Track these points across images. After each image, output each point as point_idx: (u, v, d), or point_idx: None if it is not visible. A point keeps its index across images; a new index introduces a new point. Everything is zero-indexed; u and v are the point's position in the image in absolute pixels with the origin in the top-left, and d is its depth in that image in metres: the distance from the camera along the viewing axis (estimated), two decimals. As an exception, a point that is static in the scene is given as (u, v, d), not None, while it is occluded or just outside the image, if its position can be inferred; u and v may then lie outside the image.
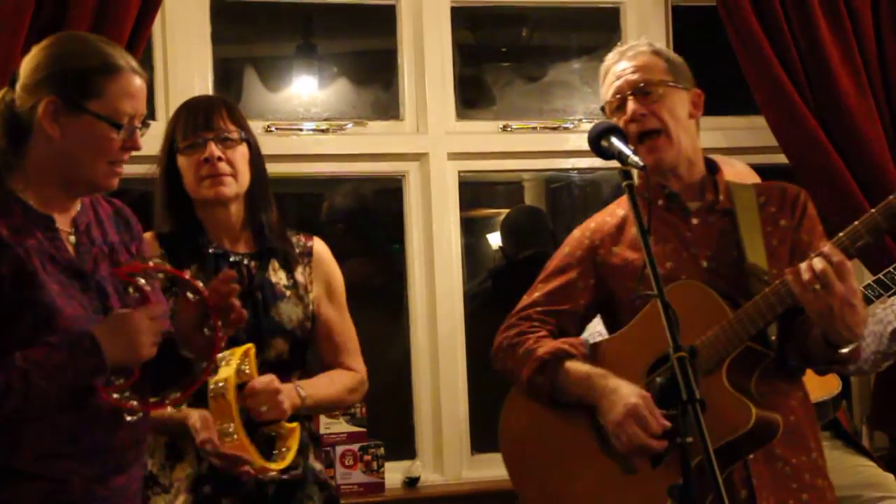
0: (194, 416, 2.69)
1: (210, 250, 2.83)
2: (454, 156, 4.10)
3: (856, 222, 2.57)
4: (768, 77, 3.96)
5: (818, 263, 2.48)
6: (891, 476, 3.48)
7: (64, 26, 3.37)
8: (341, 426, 3.78)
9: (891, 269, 3.40)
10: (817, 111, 3.99)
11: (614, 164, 2.46)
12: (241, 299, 2.76)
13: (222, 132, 2.81)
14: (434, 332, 4.03)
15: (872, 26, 4.05)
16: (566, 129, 4.23)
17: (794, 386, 2.77)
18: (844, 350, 2.59)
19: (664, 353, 2.61)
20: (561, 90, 4.55)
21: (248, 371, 2.66)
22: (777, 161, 4.11)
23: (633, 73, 2.78)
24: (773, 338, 2.66)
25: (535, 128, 4.20)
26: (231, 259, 2.85)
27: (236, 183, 2.82)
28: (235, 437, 2.58)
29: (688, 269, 2.72)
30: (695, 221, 2.78)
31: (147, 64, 3.80)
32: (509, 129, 4.20)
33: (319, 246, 3.00)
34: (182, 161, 2.82)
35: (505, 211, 5.05)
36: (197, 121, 2.81)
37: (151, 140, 3.50)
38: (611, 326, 2.88)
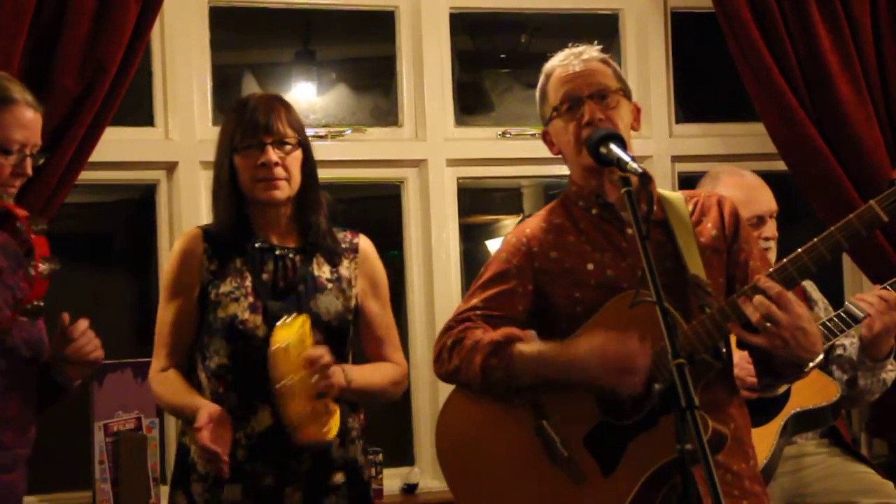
0: (202, 407, 2.75)
1: (256, 244, 2.91)
2: (453, 162, 4.13)
3: (799, 250, 2.60)
4: (767, 83, 3.99)
5: (759, 304, 2.51)
6: (890, 483, 3.50)
7: (62, 31, 3.41)
8: (339, 433, 3.80)
9: (836, 315, 3.45)
10: (816, 118, 4.02)
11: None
12: (284, 291, 2.88)
13: (280, 136, 2.87)
14: (432, 339, 4.02)
15: (871, 32, 4.07)
16: (565, 135, 4.24)
17: (733, 394, 2.78)
18: (809, 367, 2.63)
19: None
20: (560, 96, 4.56)
21: (304, 341, 2.73)
22: (776, 168, 4.14)
23: (590, 76, 2.76)
24: (724, 350, 2.68)
25: (533, 134, 4.21)
26: (277, 252, 2.92)
27: (289, 187, 2.89)
28: (296, 398, 2.68)
29: (628, 279, 2.70)
30: (630, 232, 2.74)
31: (145, 70, 3.84)
32: (508, 135, 4.23)
33: (365, 243, 3.06)
34: (239, 160, 2.87)
35: (504, 217, 5.07)
36: (257, 122, 2.86)
37: (149, 145, 3.53)
38: (546, 334, 2.82)
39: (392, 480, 3.94)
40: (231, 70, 4.33)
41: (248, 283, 2.86)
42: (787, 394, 3.44)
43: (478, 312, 2.81)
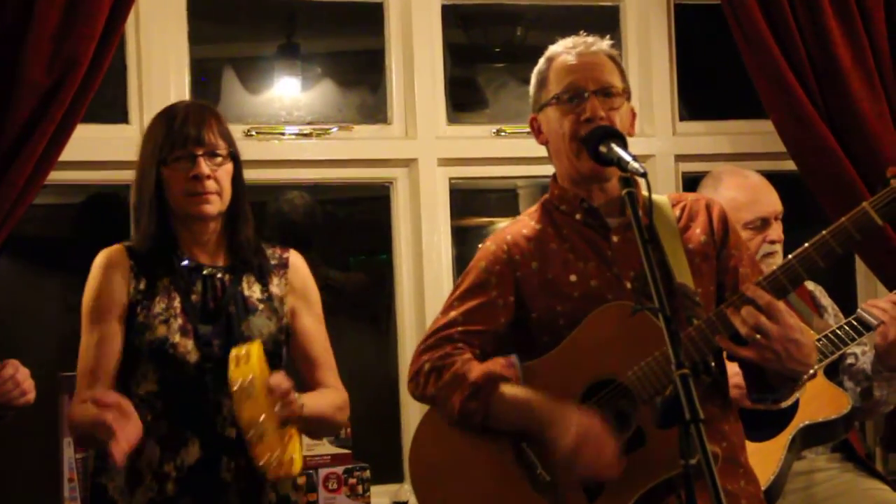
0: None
1: (184, 263, 2.88)
2: (445, 161, 4.10)
3: (790, 256, 2.58)
4: (776, 79, 3.97)
5: (748, 315, 2.49)
6: (905, 500, 3.48)
7: (31, 23, 3.36)
8: (325, 448, 3.77)
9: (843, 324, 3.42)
10: (827, 115, 3.99)
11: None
12: (215, 314, 2.84)
13: (212, 148, 2.85)
14: (423, 348, 4.02)
15: (885, 25, 4.05)
16: (563, 133, 4.22)
17: (726, 410, 2.75)
18: (803, 380, 2.61)
19: (600, 378, 2.63)
20: (557, 93, 4.55)
21: (264, 371, 2.69)
22: (785, 168, 4.11)
23: (598, 70, 2.73)
24: (714, 364, 2.65)
25: (530, 132, 4.19)
26: (204, 272, 2.89)
27: (220, 201, 2.86)
28: (267, 435, 2.64)
29: (613, 289, 2.68)
30: (615, 239, 2.73)
31: (120, 64, 3.81)
32: (503, 133, 4.20)
33: (295, 258, 3.04)
34: (168, 173, 2.84)
35: (499, 219, 5.04)
36: (188, 133, 2.83)
37: (123, 143, 3.50)
38: (526, 346, 2.79)
39: (380, 498, 3.89)
40: (211, 64, 4.30)
41: (177, 304, 2.82)
42: (795, 406, 3.41)
43: (459, 329, 2.77)
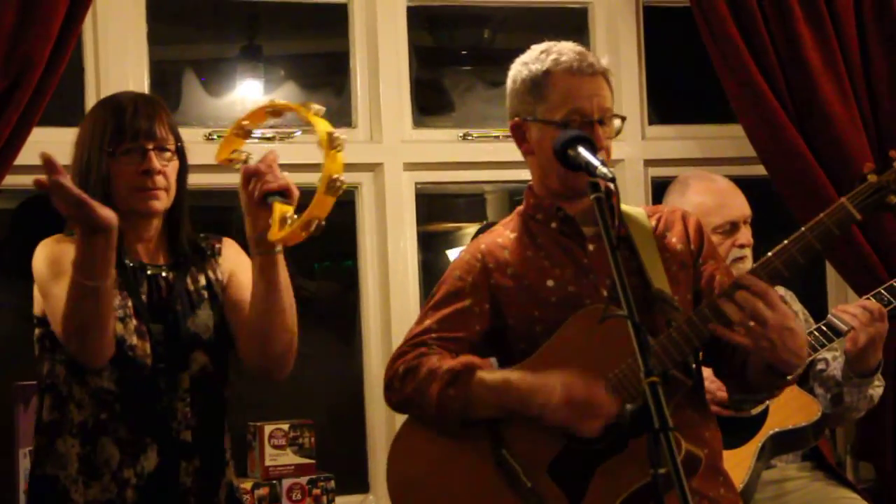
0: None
1: (127, 262, 2.82)
2: (411, 166, 4.09)
3: (786, 241, 2.60)
4: (746, 82, 3.98)
5: (743, 300, 2.49)
6: (876, 510, 3.50)
7: (-15, 23, 3.34)
8: (288, 457, 3.75)
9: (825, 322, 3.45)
10: (798, 119, 4.00)
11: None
12: (160, 313, 2.80)
13: (163, 142, 2.81)
14: (389, 355, 3.99)
15: (856, 29, 4.07)
16: (531, 137, 4.22)
17: (707, 417, 2.76)
18: (792, 376, 2.62)
19: None
20: (525, 96, 4.55)
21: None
22: (755, 172, 4.12)
23: (600, 95, 2.71)
24: (693, 365, 2.66)
25: (497, 136, 4.19)
26: (148, 272, 2.85)
27: (167, 197, 2.82)
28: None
29: (591, 296, 2.69)
30: (591, 248, 2.74)
31: (77, 65, 3.77)
32: (470, 137, 4.19)
33: (227, 244, 3.01)
34: (116, 167, 2.78)
35: (467, 225, 5.05)
36: (139, 126, 2.78)
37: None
38: (503, 356, 2.81)
39: (345, 509, 3.90)
40: (170, 66, 4.27)
41: (130, 303, 2.77)
42: (764, 413, 3.42)
43: (433, 336, 2.77)
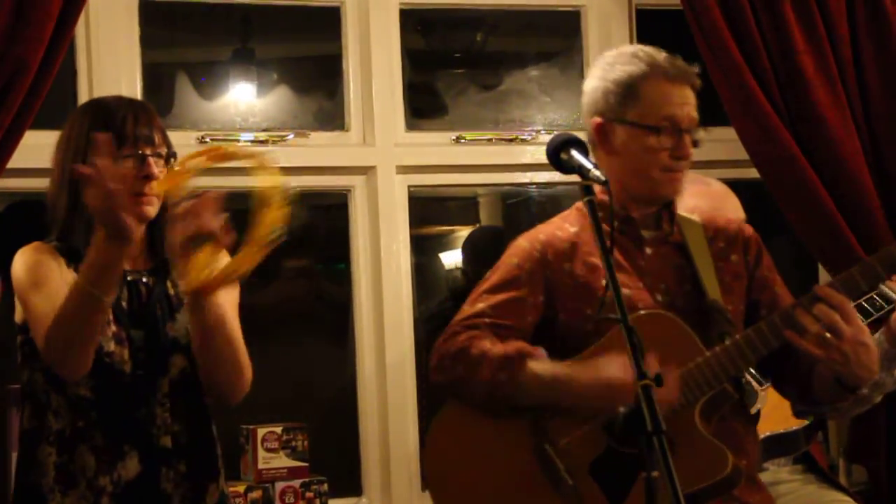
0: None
1: None
2: (403, 169, 4.09)
3: (852, 269, 2.60)
4: (738, 85, 3.98)
5: (821, 313, 2.50)
6: (868, 513, 3.50)
7: (-24, 27, 3.34)
8: (281, 461, 3.76)
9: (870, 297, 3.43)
10: (791, 123, 4.01)
11: (575, 178, 2.47)
12: (140, 319, 2.79)
13: (158, 148, 2.81)
14: (382, 358, 4.01)
15: (848, 32, 4.07)
16: (523, 140, 4.23)
17: (750, 428, 2.79)
18: (863, 390, 2.62)
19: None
20: (518, 99, 4.56)
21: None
22: (748, 176, 4.13)
23: (690, 104, 2.79)
24: (744, 381, 2.68)
25: (490, 139, 4.20)
26: (129, 278, 2.82)
27: (158, 203, 2.81)
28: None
29: (643, 299, 2.71)
30: (648, 251, 2.78)
31: (69, 69, 3.77)
32: (462, 140, 4.20)
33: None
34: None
35: (459, 228, 5.06)
36: (139, 133, 2.78)
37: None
38: (550, 349, 2.81)
39: (338, 513, 3.90)
40: (163, 69, 4.27)
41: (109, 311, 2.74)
42: (756, 417, 3.43)
43: (486, 320, 2.76)
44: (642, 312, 2.65)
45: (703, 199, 3.58)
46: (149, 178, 2.76)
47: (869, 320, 3.40)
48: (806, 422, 3.43)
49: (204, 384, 2.83)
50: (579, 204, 2.89)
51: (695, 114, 2.79)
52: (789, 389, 2.82)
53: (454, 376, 2.75)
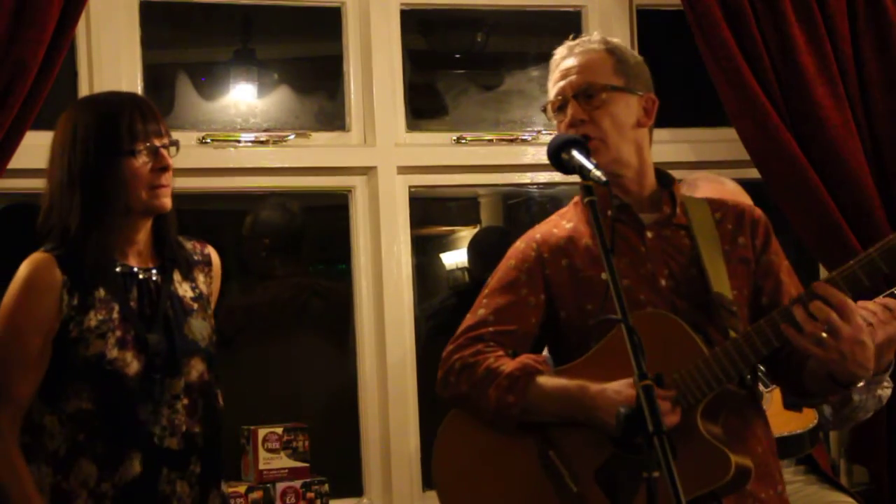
0: None
1: (117, 269, 2.82)
2: (404, 170, 4.08)
3: (851, 262, 2.58)
4: (739, 85, 3.98)
5: (818, 310, 2.49)
6: (870, 513, 3.50)
7: (-22, 28, 3.34)
8: (282, 461, 3.75)
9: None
10: (792, 123, 4.01)
11: (575, 178, 2.47)
12: (151, 319, 2.80)
13: (166, 139, 2.83)
14: (383, 358, 4.01)
15: (849, 32, 4.07)
16: (524, 141, 4.22)
17: (758, 414, 2.77)
18: (858, 386, 2.61)
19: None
20: (519, 99, 4.56)
21: None
22: (749, 176, 4.12)
23: (578, 73, 2.77)
24: (749, 377, 2.67)
25: (490, 140, 4.20)
26: (140, 276, 2.84)
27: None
28: None
29: (646, 287, 2.70)
30: (649, 235, 2.76)
31: (70, 69, 3.77)
32: (463, 141, 4.20)
33: (216, 256, 3.03)
34: (131, 166, 2.77)
35: (460, 229, 5.06)
36: (149, 126, 2.80)
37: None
38: (555, 347, 2.83)
39: (339, 513, 3.90)
40: (164, 70, 4.27)
41: (116, 314, 2.76)
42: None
43: (490, 329, 2.77)
44: (643, 312, 2.64)
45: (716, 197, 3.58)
46: (165, 169, 2.79)
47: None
48: (811, 425, 3.42)
49: None
50: (576, 198, 2.89)
51: (588, 78, 2.77)
52: (780, 381, 2.81)
53: (460, 392, 2.76)
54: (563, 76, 2.79)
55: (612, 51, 2.82)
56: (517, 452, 2.69)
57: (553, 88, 2.81)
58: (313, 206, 4.50)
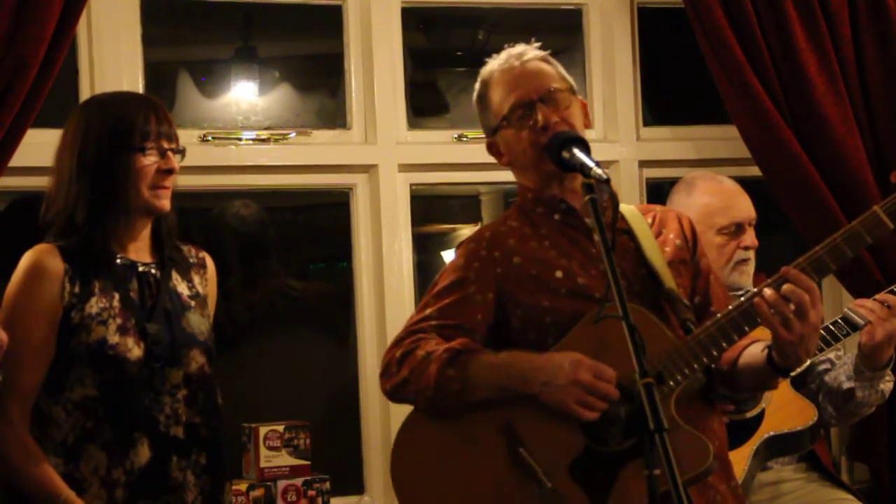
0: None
1: (118, 261, 2.87)
2: (405, 167, 4.09)
3: (817, 247, 2.61)
4: (740, 83, 3.98)
5: (791, 292, 2.50)
6: (870, 510, 3.50)
7: (-22, 25, 3.34)
8: (283, 459, 3.75)
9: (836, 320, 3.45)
10: (793, 120, 4.01)
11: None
12: (151, 311, 2.85)
13: (178, 146, 2.90)
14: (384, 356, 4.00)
15: (850, 30, 4.07)
16: (525, 139, 4.22)
17: (714, 409, 2.78)
18: (796, 371, 2.64)
19: None
20: (519, 97, 4.55)
21: None
22: (750, 173, 4.13)
23: (537, 78, 2.77)
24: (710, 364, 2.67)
25: (492, 142, 4.20)
26: (140, 269, 2.89)
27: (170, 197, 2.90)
28: None
29: (600, 286, 2.66)
30: (597, 238, 2.75)
31: (72, 67, 3.77)
32: (465, 138, 4.20)
33: (210, 261, 3.09)
34: (139, 163, 2.82)
35: (461, 226, 5.05)
36: (162, 128, 2.86)
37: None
38: (508, 349, 2.77)
39: (340, 510, 3.90)
40: (165, 67, 4.26)
41: (116, 302, 2.80)
42: (760, 416, 3.43)
43: (432, 323, 2.74)
44: (608, 304, 2.63)
45: (715, 195, 3.59)
46: (170, 171, 2.85)
47: (835, 344, 3.43)
48: (811, 422, 3.43)
49: None
50: (517, 202, 2.89)
51: (546, 83, 2.77)
52: (717, 374, 2.80)
53: (401, 378, 2.70)
54: (519, 84, 2.78)
55: (549, 60, 2.85)
56: (483, 453, 2.64)
57: (508, 98, 2.78)
58: (314, 204, 4.50)
